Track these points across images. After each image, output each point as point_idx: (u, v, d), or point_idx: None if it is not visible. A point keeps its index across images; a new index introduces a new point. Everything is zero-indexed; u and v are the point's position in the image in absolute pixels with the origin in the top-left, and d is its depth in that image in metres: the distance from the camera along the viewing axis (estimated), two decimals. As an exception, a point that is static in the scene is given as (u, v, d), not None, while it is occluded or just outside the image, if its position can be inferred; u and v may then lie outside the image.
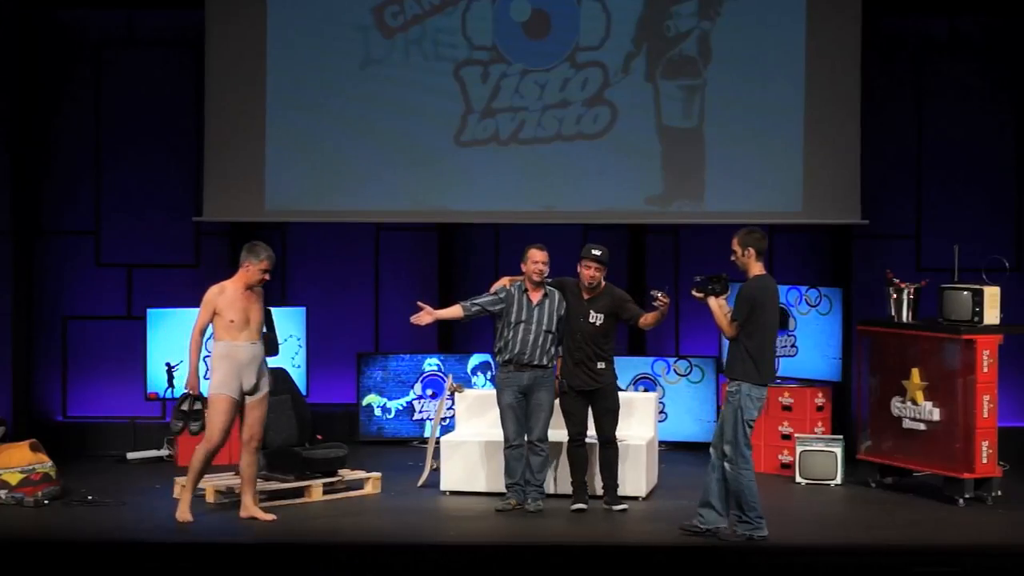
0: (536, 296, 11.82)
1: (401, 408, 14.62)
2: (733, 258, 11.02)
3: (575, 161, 14.24)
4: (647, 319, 11.87)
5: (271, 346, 13.15)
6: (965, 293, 12.27)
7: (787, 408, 13.44)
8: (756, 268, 10.96)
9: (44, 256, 14.64)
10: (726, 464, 10.85)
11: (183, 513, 11.34)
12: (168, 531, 11.32)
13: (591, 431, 11.92)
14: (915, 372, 12.44)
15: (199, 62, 14.37)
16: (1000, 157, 14.65)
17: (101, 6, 14.67)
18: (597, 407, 11.88)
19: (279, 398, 12.59)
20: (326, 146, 14.30)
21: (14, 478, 12.03)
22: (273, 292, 14.77)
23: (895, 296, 12.66)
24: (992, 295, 12.23)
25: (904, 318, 12.64)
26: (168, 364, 13.89)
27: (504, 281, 12.00)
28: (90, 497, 12.16)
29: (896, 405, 12.62)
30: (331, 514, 11.76)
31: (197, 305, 14.04)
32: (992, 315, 12.23)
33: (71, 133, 14.68)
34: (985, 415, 12.16)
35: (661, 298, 11.57)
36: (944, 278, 12.70)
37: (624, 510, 11.83)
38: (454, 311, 12.01)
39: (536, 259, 11.82)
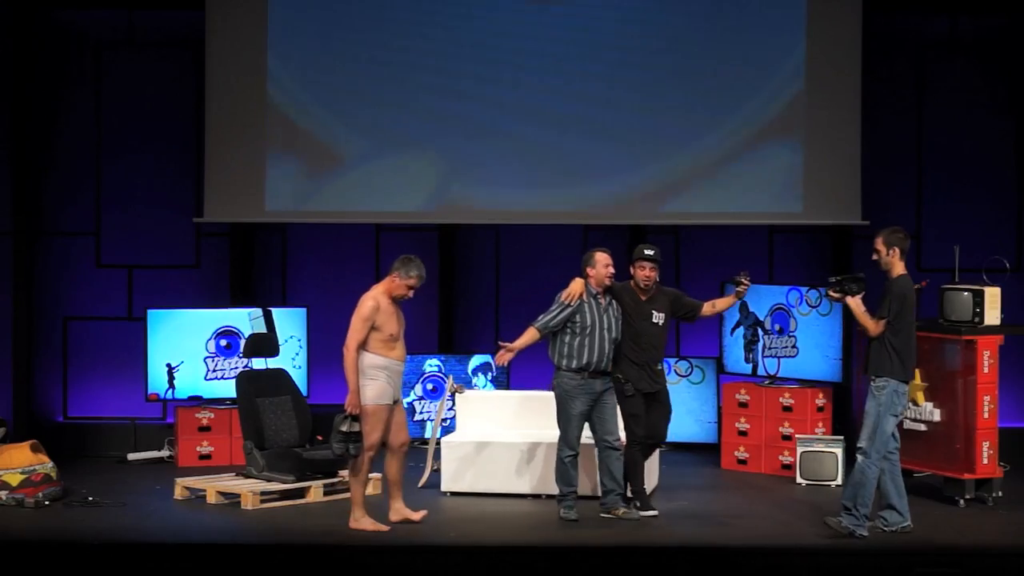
0: (603, 301, 11.70)
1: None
2: (875, 257, 11.07)
3: (576, 162, 14.23)
4: (717, 304, 11.97)
5: (271, 347, 13.20)
6: (966, 294, 12.27)
7: (788, 409, 13.45)
8: (900, 267, 11.04)
9: (44, 257, 14.64)
10: (859, 456, 10.93)
11: (375, 523, 11.17)
12: (168, 532, 11.34)
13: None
14: (916, 373, 12.42)
15: (199, 62, 14.37)
16: (1000, 157, 14.65)
17: (101, 6, 14.66)
18: (656, 409, 11.80)
19: (279, 399, 12.60)
20: (326, 146, 14.30)
21: (15, 479, 12.03)
22: (273, 292, 14.79)
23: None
24: (992, 296, 12.23)
25: (904, 318, 12.63)
26: (169, 365, 13.88)
27: (579, 287, 11.63)
28: (90, 498, 12.16)
29: (896, 405, 12.61)
30: (331, 514, 11.75)
31: (197, 306, 14.20)
32: (993, 316, 12.22)
33: (71, 133, 14.67)
34: (986, 416, 12.16)
35: (745, 281, 11.63)
36: (944, 278, 12.69)
37: (655, 516, 11.77)
38: (530, 335, 11.70)
39: (607, 263, 11.62)
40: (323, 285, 14.82)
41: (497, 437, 12.46)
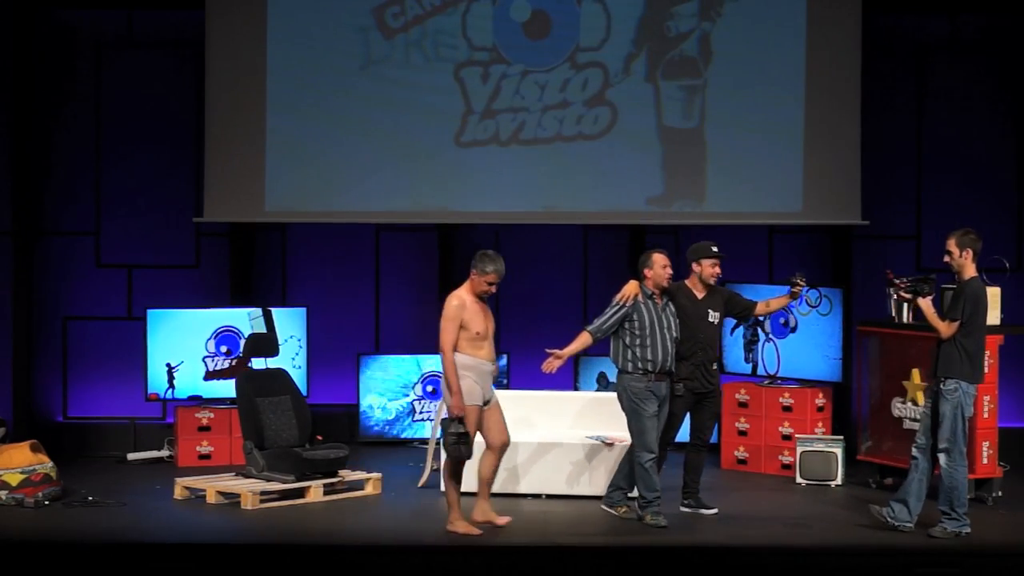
0: (660, 302, 11.59)
1: (401, 409, 14.61)
2: (947, 259, 11.05)
3: (575, 162, 14.23)
4: (771, 304, 11.95)
5: (271, 346, 13.20)
6: (966, 294, 12.27)
7: (787, 409, 13.44)
8: (971, 269, 11.03)
9: (44, 257, 14.64)
10: (944, 463, 10.90)
11: (468, 526, 11.07)
12: (168, 532, 11.33)
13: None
14: (915, 372, 12.44)
15: (199, 62, 14.37)
16: (1000, 157, 14.65)
17: (101, 6, 14.67)
18: (704, 410, 11.77)
19: (279, 398, 12.60)
20: (326, 147, 14.30)
21: (15, 479, 12.03)
22: (273, 292, 14.79)
23: (895, 296, 12.65)
24: (992, 295, 12.21)
25: (904, 318, 12.63)
26: (168, 365, 13.88)
27: (634, 288, 11.52)
28: (90, 498, 12.15)
29: (897, 406, 12.62)
30: (331, 514, 11.76)
31: (197, 306, 14.20)
32: (992, 315, 12.21)
33: (71, 133, 14.67)
34: (985, 415, 12.16)
35: (800, 282, 11.67)
36: (944, 278, 12.65)
37: (716, 513, 11.77)
38: (582, 340, 11.55)
39: (665, 264, 11.51)
40: (323, 285, 14.83)
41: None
